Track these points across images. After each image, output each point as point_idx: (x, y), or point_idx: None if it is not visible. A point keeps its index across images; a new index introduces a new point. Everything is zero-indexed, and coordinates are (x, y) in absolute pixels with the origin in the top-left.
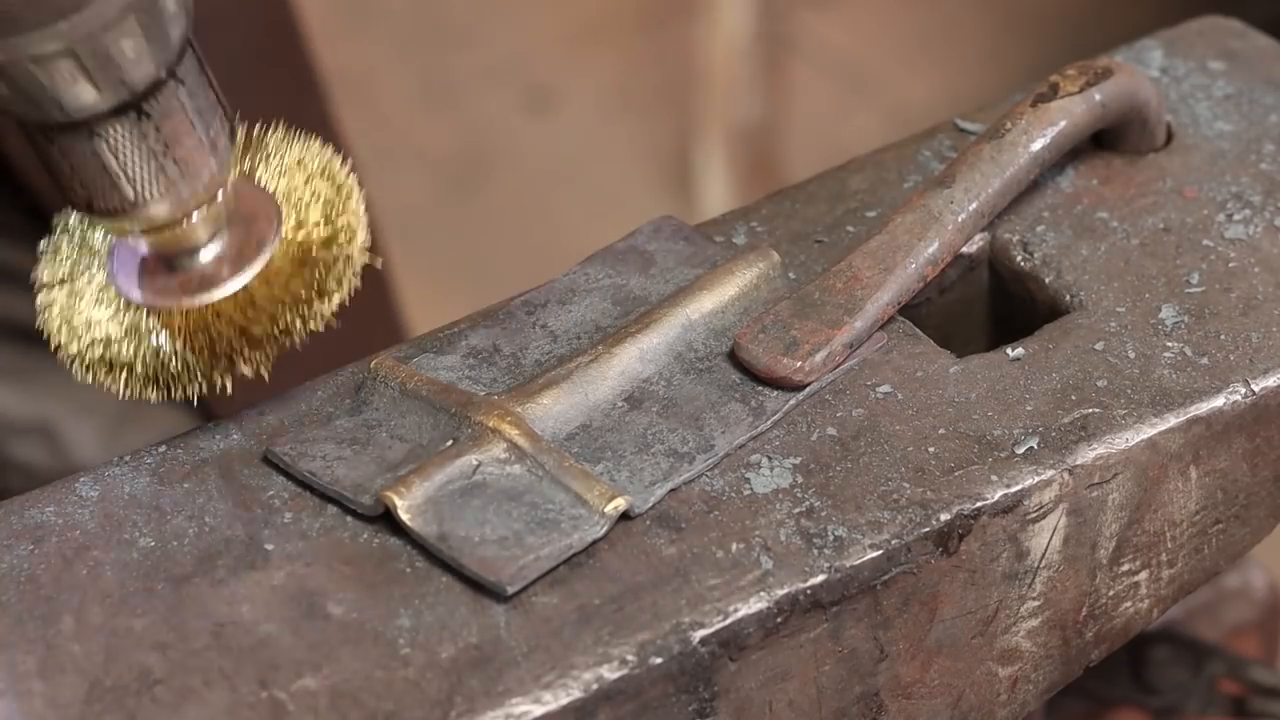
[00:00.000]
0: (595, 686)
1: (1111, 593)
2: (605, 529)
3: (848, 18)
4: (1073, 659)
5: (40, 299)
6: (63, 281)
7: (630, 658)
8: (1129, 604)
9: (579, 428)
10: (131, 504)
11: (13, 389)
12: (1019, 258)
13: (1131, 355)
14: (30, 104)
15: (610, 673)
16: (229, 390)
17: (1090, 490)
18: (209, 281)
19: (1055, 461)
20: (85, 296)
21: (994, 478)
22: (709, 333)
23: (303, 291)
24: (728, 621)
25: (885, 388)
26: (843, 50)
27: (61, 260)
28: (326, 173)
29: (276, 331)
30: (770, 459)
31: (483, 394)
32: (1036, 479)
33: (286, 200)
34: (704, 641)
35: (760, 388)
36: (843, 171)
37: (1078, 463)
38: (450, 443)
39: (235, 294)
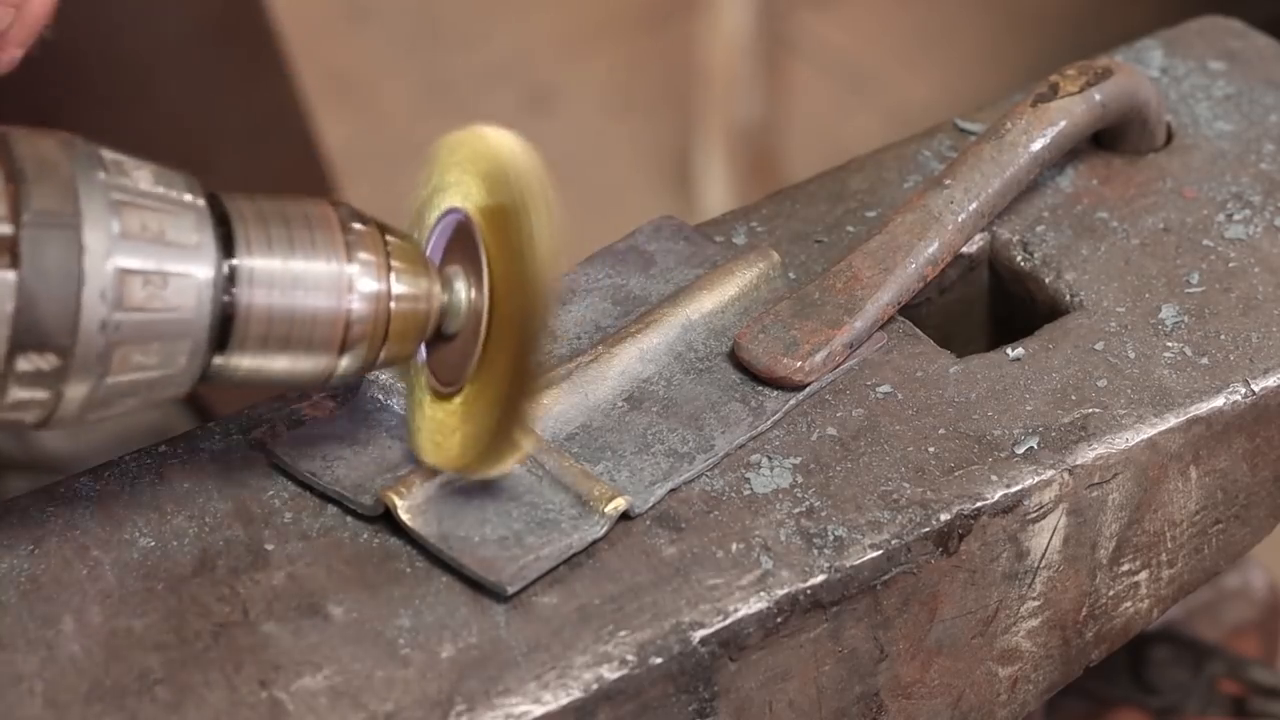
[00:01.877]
0: (595, 686)
1: (1111, 593)
2: (605, 529)
3: (848, 18)
4: (1073, 659)
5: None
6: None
7: (630, 658)
8: (1129, 604)
9: (579, 428)
10: (131, 504)
11: None
12: (1019, 258)
13: (1131, 355)
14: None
15: (610, 673)
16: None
17: (1090, 490)
18: (452, 362)
19: (1055, 461)
20: (426, 403)
21: (994, 478)
22: (709, 333)
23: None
24: (728, 621)
25: (885, 388)
26: (843, 50)
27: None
28: (516, 185)
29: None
30: (770, 459)
31: None
32: (1036, 479)
33: (489, 226)
34: (704, 641)
35: (760, 388)
36: (843, 171)
37: (1078, 463)
38: None
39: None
